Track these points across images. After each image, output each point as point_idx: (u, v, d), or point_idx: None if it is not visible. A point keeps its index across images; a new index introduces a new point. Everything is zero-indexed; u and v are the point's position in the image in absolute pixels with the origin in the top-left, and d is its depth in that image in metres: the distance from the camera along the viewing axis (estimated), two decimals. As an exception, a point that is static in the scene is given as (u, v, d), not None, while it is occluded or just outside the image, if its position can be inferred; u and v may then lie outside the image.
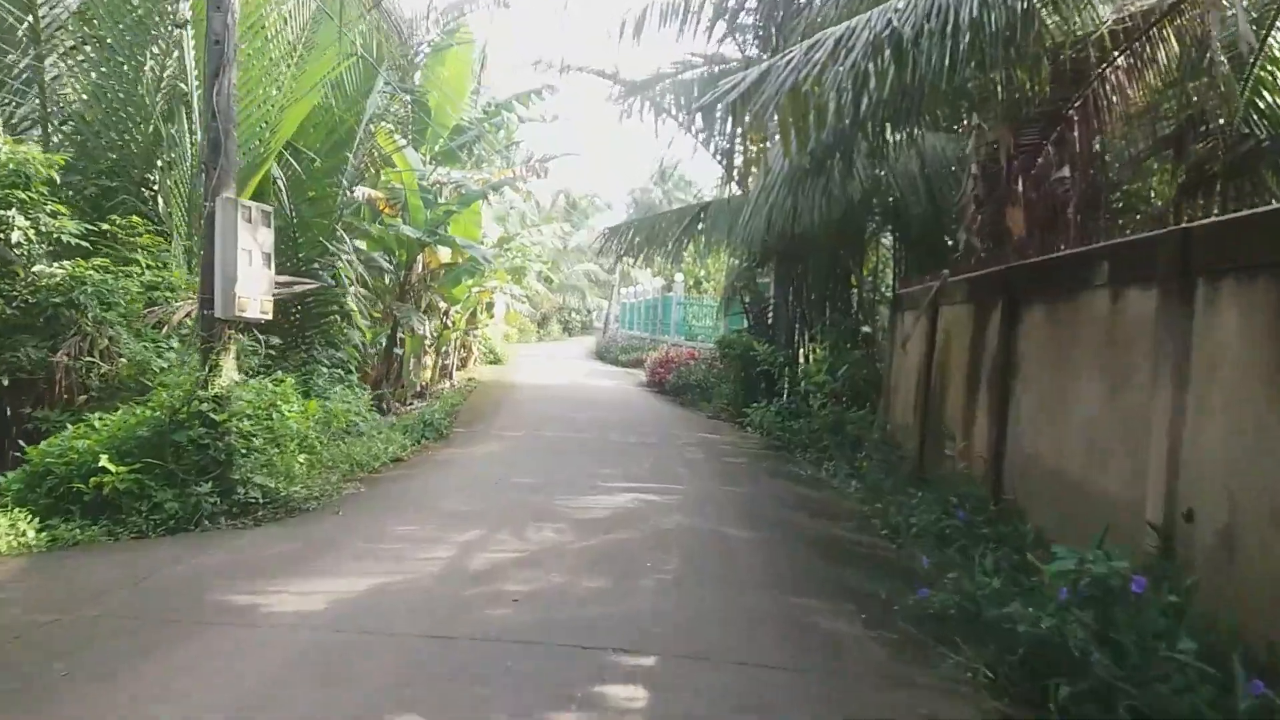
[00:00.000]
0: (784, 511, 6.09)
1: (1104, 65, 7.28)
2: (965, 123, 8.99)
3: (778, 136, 7.78)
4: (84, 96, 7.90)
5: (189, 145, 7.54)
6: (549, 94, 15.37)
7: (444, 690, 2.90)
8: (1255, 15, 6.61)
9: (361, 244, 12.26)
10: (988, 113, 7.64)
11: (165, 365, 5.80)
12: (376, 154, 12.23)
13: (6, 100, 7.47)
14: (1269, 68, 6.50)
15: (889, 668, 3.28)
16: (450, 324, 15.20)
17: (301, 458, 6.10)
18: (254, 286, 5.52)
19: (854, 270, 11.71)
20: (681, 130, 11.79)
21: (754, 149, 10.24)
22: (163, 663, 3.03)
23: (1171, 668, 2.62)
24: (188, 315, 6.32)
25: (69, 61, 7.87)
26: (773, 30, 10.72)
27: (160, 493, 4.96)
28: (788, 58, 5.61)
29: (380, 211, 13.12)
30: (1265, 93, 6.57)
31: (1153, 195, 8.51)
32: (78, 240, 6.19)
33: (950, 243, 10.79)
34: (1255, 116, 6.67)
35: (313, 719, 2.68)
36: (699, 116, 10.93)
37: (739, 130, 7.35)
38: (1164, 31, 6.72)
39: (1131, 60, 7.01)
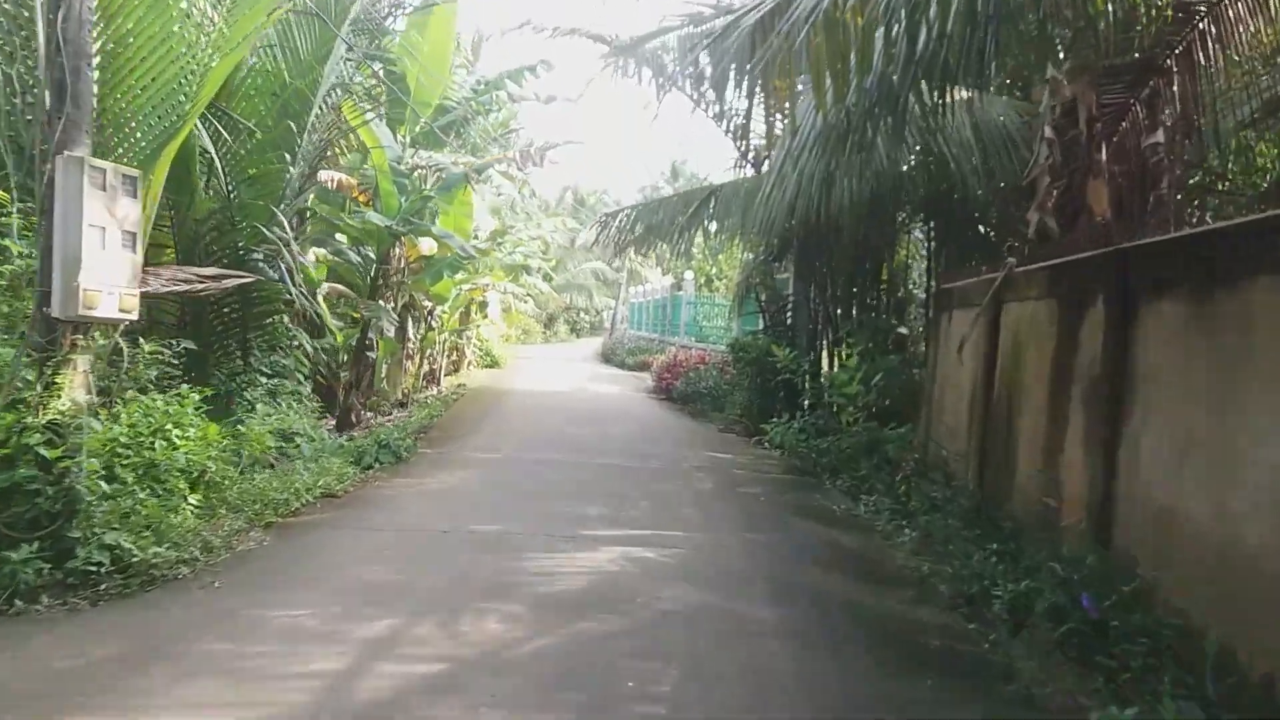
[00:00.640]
0: (822, 574, 4.64)
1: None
2: (1034, 81, 7.50)
3: (804, 91, 6.33)
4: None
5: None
6: (544, 70, 13.98)
7: None
8: None
9: (343, 237, 10.91)
10: (1069, 61, 6.16)
11: None
12: (352, 137, 10.87)
13: None
14: None
15: None
16: (436, 325, 13.81)
17: (194, 499, 4.70)
18: (109, 275, 4.12)
19: (887, 262, 10.23)
20: (689, 99, 10.36)
21: (775, 117, 8.83)
22: None
23: None
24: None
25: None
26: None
27: (-48, 560, 3.59)
28: (824, -31, 4.17)
29: (355, 199, 11.77)
30: None
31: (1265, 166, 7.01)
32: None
33: (986, 232, 9.32)
34: None
35: None
36: (708, 86, 9.50)
37: (758, 84, 5.88)
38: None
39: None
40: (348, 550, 4.52)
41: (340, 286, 11.76)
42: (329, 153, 11.50)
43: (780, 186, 8.23)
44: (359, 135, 10.40)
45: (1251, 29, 5.66)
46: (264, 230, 7.41)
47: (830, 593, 4.30)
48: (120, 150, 5.73)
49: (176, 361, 6.12)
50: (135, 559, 3.90)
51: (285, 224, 7.16)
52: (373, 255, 10.67)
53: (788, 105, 8.22)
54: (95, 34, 4.86)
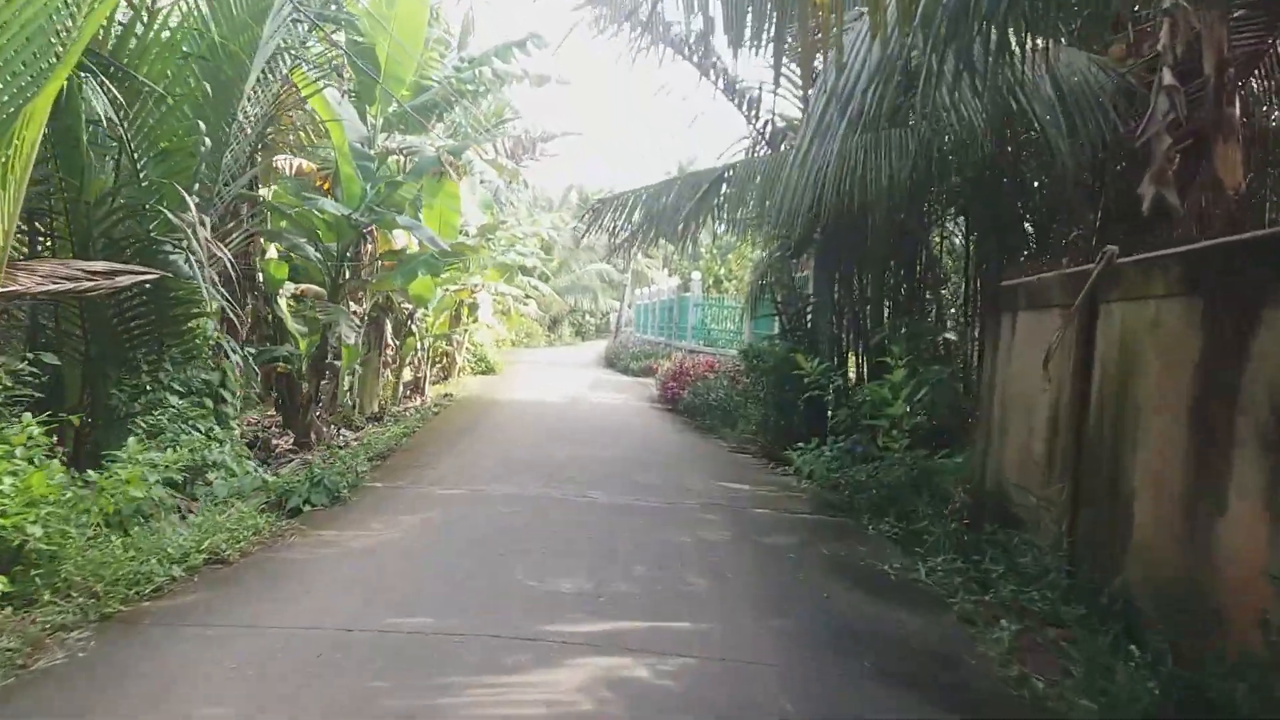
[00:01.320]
0: (896, 704, 3.17)
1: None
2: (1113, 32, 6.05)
3: (850, 26, 4.91)
4: None
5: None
6: (535, 47, 12.59)
7: None
8: None
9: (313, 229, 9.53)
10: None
11: None
12: (313, 119, 9.51)
13: None
14: None
15: None
16: (417, 329, 12.44)
17: None
18: None
19: (925, 256, 8.79)
20: (694, 65, 8.95)
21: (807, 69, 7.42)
22: None
23: None
24: None
25: None
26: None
27: None
28: None
29: (321, 189, 10.42)
30: None
31: None
32: None
33: (1040, 217, 7.88)
34: None
35: None
36: (721, 52, 8.12)
37: (787, 24, 4.46)
38: None
39: None
40: (192, 669, 3.05)
41: (315, 288, 10.41)
42: (289, 136, 10.18)
43: (805, 168, 6.84)
44: (316, 112, 9.03)
45: None
46: (177, 217, 6.03)
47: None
48: (-50, 109, 4.41)
49: (35, 379, 4.75)
50: None
51: (191, 205, 5.76)
52: (334, 250, 9.29)
53: (819, 65, 6.81)
54: None
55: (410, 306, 12.18)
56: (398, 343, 12.19)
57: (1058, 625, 3.91)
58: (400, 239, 11.03)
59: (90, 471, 4.63)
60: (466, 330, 16.44)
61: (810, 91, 7.77)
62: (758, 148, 9.54)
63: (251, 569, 4.18)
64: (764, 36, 5.18)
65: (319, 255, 9.14)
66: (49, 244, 5.92)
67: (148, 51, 6.27)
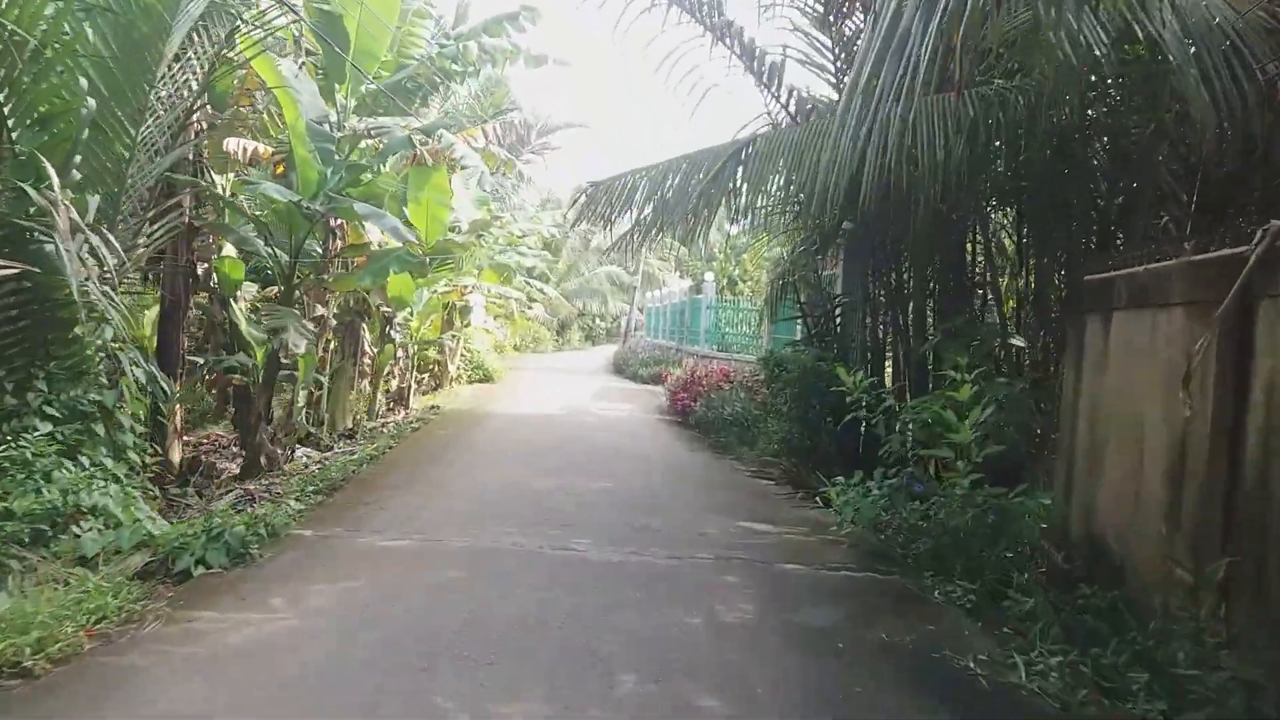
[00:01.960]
0: None
1: None
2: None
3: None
4: None
5: None
6: (529, 22, 11.33)
7: None
8: None
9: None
10: None
11: None
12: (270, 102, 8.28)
13: None
14: None
15: None
16: (396, 335, 11.17)
17: None
18: None
19: (984, 244, 7.41)
20: (704, 26, 7.63)
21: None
22: None
23: None
24: None
25: None
26: None
27: None
28: None
29: (278, 175, 9.18)
30: None
31: None
32: None
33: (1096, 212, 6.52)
34: None
35: None
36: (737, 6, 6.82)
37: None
38: None
39: None
40: None
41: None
42: (249, 116, 8.96)
43: (841, 140, 5.51)
44: (265, 84, 7.79)
45: None
46: (42, 195, 4.75)
47: None
48: None
49: None
50: None
51: (54, 179, 4.49)
52: (288, 245, 8.01)
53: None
54: None
55: (390, 310, 10.92)
56: (376, 350, 10.93)
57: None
58: (375, 233, 9.77)
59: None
60: (458, 336, 15.17)
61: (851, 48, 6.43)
62: (779, 124, 8.20)
63: (55, 691, 2.88)
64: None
65: (269, 251, 7.88)
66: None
67: (21, -6, 5.02)
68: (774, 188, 7.16)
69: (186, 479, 7.80)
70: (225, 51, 7.02)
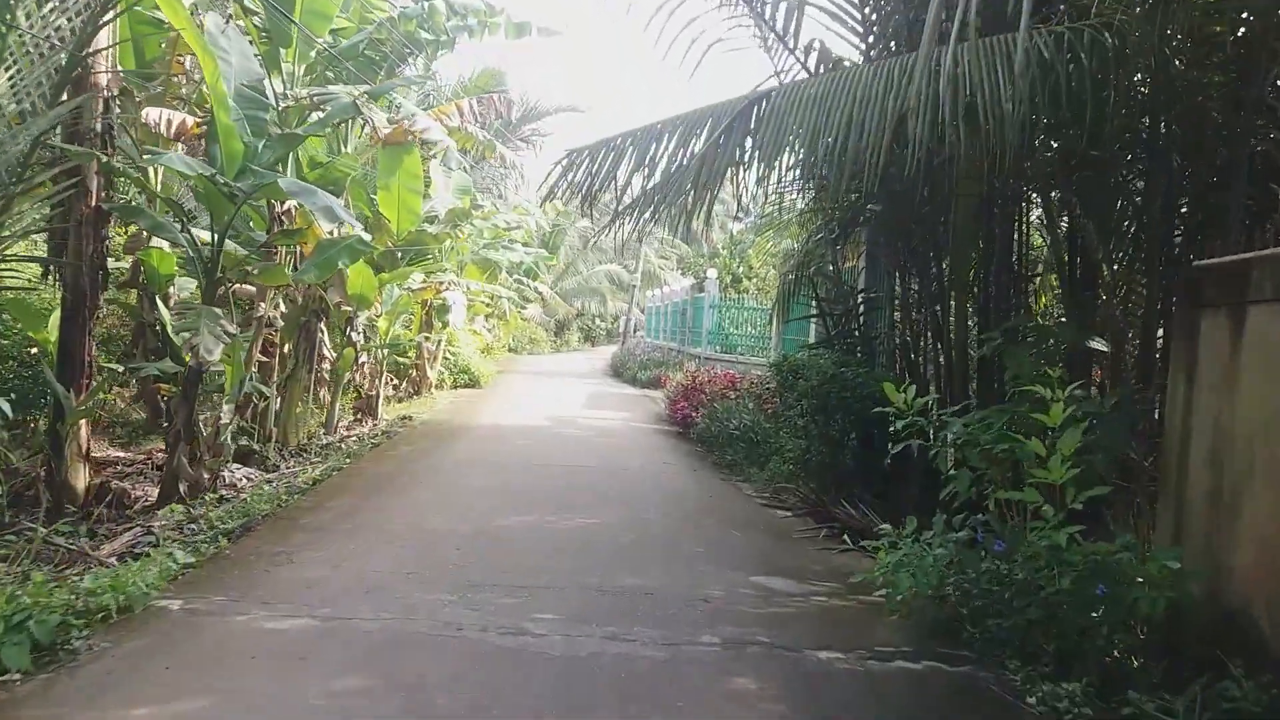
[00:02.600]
0: None
1: None
2: None
3: None
4: None
5: None
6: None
7: None
8: None
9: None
10: None
11: None
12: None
13: None
14: None
15: None
16: (359, 338, 9.88)
17: None
18: None
19: (1068, 225, 6.08)
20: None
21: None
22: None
23: None
24: None
25: None
26: None
27: None
28: None
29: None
30: None
31: None
32: None
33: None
34: None
35: None
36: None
37: None
38: None
39: None
40: None
41: (248, 288, 7.93)
42: (165, 80, 7.68)
43: (881, 87, 4.24)
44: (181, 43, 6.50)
45: None
46: None
47: None
48: None
49: None
50: None
51: None
52: (211, 231, 6.72)
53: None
54: None
55: (351, 309, 9.63)
56: (336, 355, 9.64)
57: None
58: (324, 221, 8.47)
59: None
60: (438, 338, 13.89)
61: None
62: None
63: None
64: None
65: (187, 241, 6.58)
66: None
67: None
68: (790, 159, 5.86)
69: (89, 510, 6.52)
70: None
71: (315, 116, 8.27)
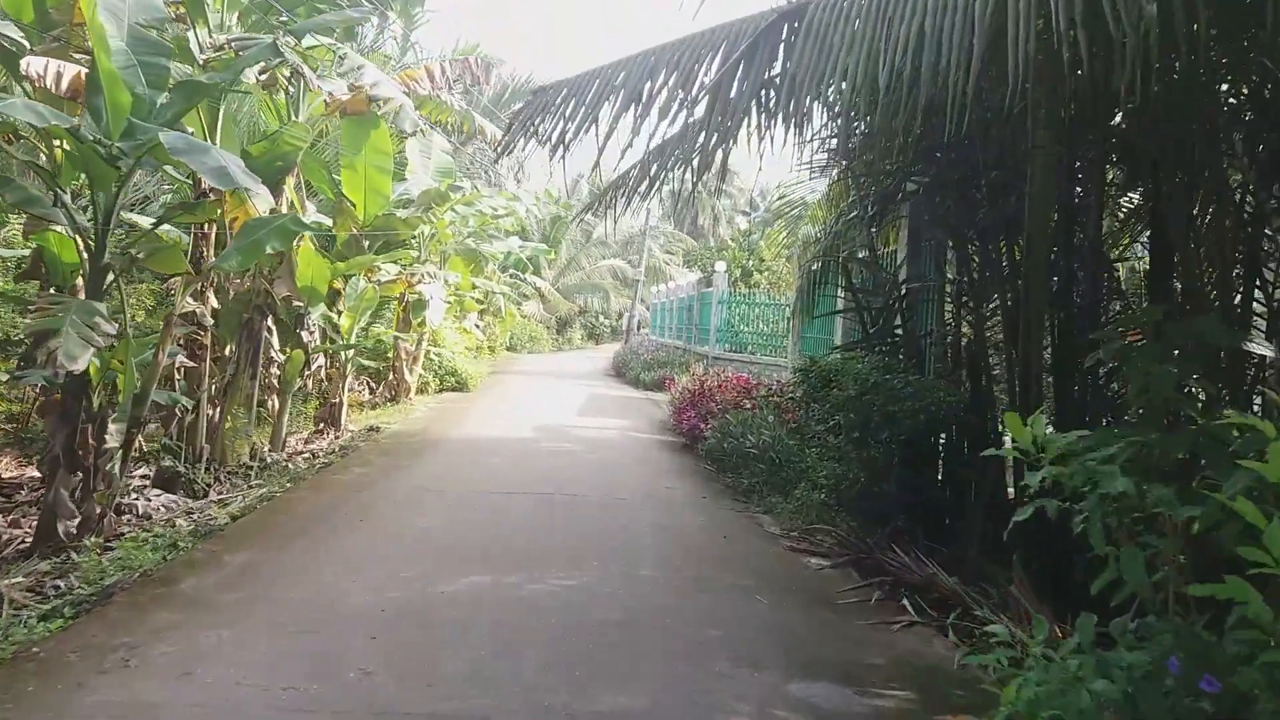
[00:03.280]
0: None
1: None
2: None
3: None
4: None
5: None
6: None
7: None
8: None
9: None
10: None
11: None
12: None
13: None
14: None
15: None
16: (309, 339, 8.50)
17: None
18: None
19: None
20: None
21: None
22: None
23: None
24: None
25: None
26: None
27: None
28: None
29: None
30: None
31: None
32: None
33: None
34: None
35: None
36: None
37: None
38: None
39: None
40: None
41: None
42: (66, 31, 6.28)
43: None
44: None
45: None
46: None
47: None
48: None
49: None
50: None
51: None
52: (101, 203, 5.32)
53: None
54: None
55: (301, 303, 8.25)
56: (285, 358, 8.26)
57: None
58: (259, 202, 7.08)
59: None
60: (418, 337, 12.50)
61: None
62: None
63: None
64: None
65: (67, 218, 5.19)
66: None
67: None
68: (834, 95, 4.47)
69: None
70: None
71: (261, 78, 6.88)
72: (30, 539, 5.45)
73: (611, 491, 6.79)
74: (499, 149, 5.76)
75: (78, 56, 6.36)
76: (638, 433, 10.54)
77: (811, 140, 5.95)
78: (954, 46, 3.24)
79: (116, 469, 5.55)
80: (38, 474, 7.07)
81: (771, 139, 4.94)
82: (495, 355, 23.86)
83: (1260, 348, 3.78)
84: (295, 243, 7.79)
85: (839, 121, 5.45)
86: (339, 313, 9.49)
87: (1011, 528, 2.93)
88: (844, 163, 6.92)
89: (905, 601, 4.44)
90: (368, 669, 3.18)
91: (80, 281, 6.92)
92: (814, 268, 7.75)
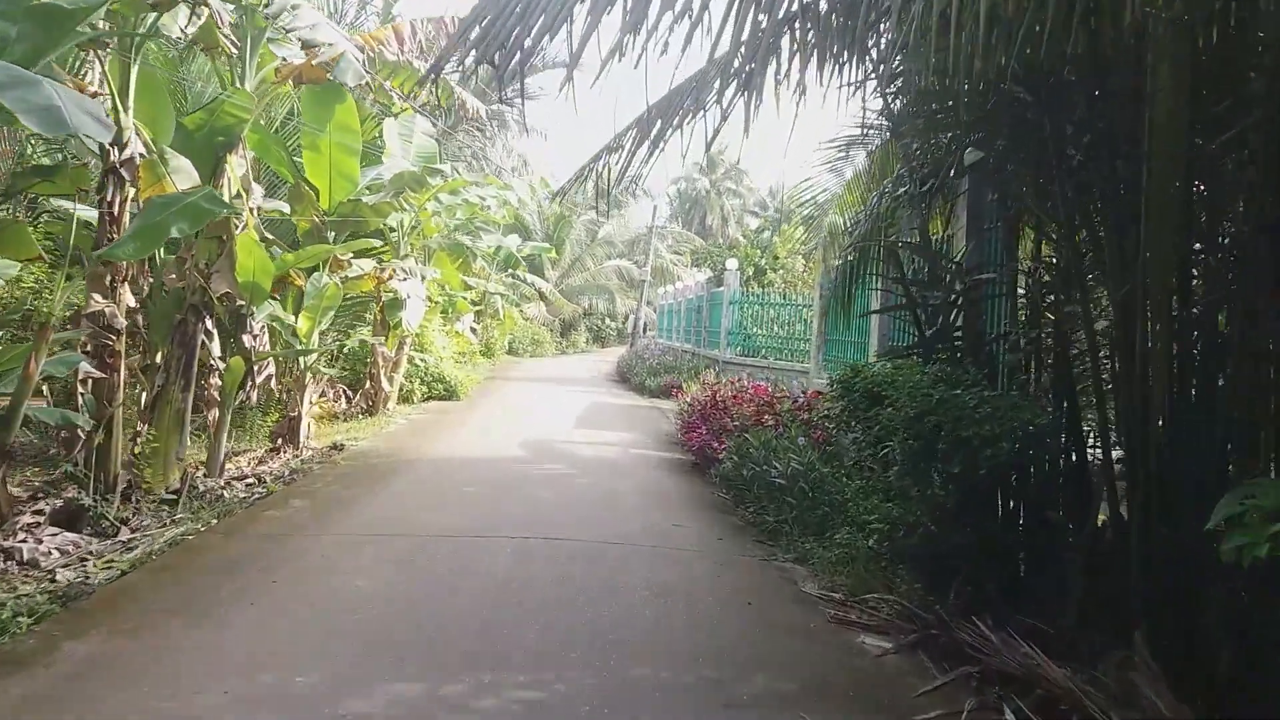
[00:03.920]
0: None
1: None
2: None
3: None
4: None
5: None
6: None
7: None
8: None
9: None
10: None
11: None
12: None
13: None
14: None
15: None
16: (253, 344, 7.24)
17: None
18: None
19: None
20: None
21: None
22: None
23: None
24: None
25: None
26: None
27: None
28: None
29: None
30: None
31: None
32: None
33: None
34: None
35: None
36: None
37: None
38: None
39: None
40: None
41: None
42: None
43: None
44: None
45: None
46: None
47: None
48: None
49: None
50: None
51: None
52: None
53: None
54: None
55: (243, 302, 7.01)
56: (224, 365, 7.00)
57: None
58: (180, 176, 5.83)
59: None
60: (399, 340, 11.24)
61: None
62: None
63: None
64: None
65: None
66: None
67: None
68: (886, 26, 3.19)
69: None
70: None
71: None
72: None
73: (604, 534, 5.48)
74: (424, 78, 4.46)
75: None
76: (641, 449, 9.24)
77: (859, 88, 4.64)
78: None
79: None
80: None
81: (804, 90, 3.70)
82: (494, 359, 22.61)
83: None
84: (236, 229, 6.57)
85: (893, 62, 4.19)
86: (295, 313, 8.24)
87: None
88: (890, 126, 5.64)
89: (1009, 713, 3.14)
90: None
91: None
92: (849, 258, 6.47)
